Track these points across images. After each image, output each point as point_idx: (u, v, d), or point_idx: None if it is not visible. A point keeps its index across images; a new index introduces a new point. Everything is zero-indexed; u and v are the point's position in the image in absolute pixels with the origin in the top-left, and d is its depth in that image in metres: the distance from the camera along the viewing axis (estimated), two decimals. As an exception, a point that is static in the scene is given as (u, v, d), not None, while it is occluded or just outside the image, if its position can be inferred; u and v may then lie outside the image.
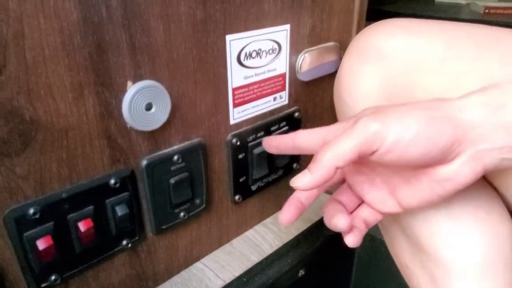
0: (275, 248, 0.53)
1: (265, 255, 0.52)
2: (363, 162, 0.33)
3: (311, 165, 0.28)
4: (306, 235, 0.56)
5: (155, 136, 0.40)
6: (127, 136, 0.37)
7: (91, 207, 0.36)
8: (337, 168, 0.27)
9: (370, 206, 0.35)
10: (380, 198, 0.33)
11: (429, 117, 0.26)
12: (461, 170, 0.27)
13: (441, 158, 0.27)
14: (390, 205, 0.32)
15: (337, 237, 0.61)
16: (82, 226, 0.36)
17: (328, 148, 0.28)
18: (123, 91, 0.36)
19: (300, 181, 0.29)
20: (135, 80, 0.36)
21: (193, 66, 0.40)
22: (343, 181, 0.38)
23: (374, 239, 0.62)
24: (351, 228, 0.34)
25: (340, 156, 0.27)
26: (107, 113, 0.35)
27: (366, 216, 0.35)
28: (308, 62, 0.53)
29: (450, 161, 0.27)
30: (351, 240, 0.34)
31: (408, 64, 0.35)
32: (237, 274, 0.49)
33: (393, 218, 0.36)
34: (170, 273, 0.48)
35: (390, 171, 0.32)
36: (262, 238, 0.55)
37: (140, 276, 0.44)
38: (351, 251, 0.64)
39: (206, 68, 0.42)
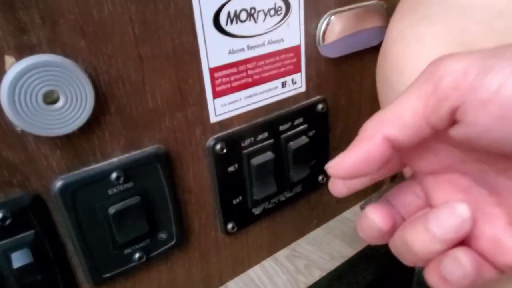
0: (285, 298, 0.37)
1: (269, 310, 0.36)
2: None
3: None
4: (335, 279, 0.39)
5: (73, 144, 0.25)
6: (18, 145, 0.23)
7: (-37, 257, 0.23)
8: (389, 139, 0.16)
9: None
10: (495, 236, 0.17)
11: None
12: None
13: None
14: None
15: (391, 284, 0.44)
16: (-50, 286, 0.23)
17: (378, 112, 0.17)
18: (0, 72, 0.22)
19: (332, 161, 0.18)
20: (20, 54, 0.22)
21: (132, 33, 0.25)
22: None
23: None
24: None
25: (394, 119, 0.16)
26: (-28, 109, 0.22)
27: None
28: (336, 30, 0.36)
29: None
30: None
31: (498, 13, 0.18)
32: None
33: None
34: (129, 333, 0.34)
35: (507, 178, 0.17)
36: (269, 280, 0.40)
37: None
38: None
39: (159, 36, 0.26)
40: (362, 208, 0.49)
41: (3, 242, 0.24)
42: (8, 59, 0.21)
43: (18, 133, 0.23)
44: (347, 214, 0.49)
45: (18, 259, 0.25)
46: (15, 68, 0.22)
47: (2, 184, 0.24)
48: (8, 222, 0.24)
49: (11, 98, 0.22)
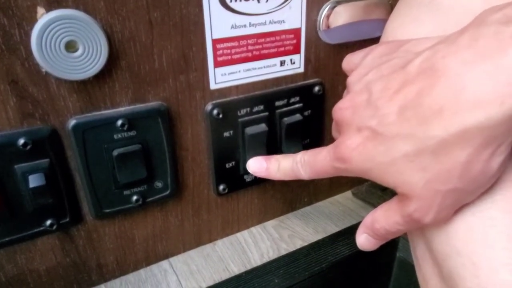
0: (266, 260, 0.41)
1: (249, 267, 0.40)
2: None
3: None
4: (314, 249, 0.42)
5: (88, 90, 0.30)
6: (42, 84, 0.28)
7: (-9, 172, 0.28)
8: None
9: None
10: None
11: None
12: None
13: None
14: None
15: (366, 263, 0.46)
16: (-22, 194, 0.28)
17: None
18: (32, 20, 0.26)
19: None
20: (50, 6, 0.26)
21: (145, 0, 0.29)
22: None
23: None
24: None
25: None
26: (8, 49, 0.26)
27: None
28: (337, 18, 0.39)
29: None
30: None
31: (472, 15, 0.19)
32: (204, 285, 0.38)
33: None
34: (123, 269, 0.38)
35: None
36: (255, 244, 0.43)
37: (79, 266, 0.36)
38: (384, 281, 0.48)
39: (168, 6, 0.30)
40: (354, 194, 0.52)
41: (23, 164, 0.29)
42: (40, 10, 0.26)
43: (42, 74, 0.28)
44: (338, 197, 0.51)
45: (34, 180, 0.29)
46: (44, 18, 0.26)
47: (27, 115, 0.28)
48: (28, 147, 0.29)
49: (39, 42, 0.26)
